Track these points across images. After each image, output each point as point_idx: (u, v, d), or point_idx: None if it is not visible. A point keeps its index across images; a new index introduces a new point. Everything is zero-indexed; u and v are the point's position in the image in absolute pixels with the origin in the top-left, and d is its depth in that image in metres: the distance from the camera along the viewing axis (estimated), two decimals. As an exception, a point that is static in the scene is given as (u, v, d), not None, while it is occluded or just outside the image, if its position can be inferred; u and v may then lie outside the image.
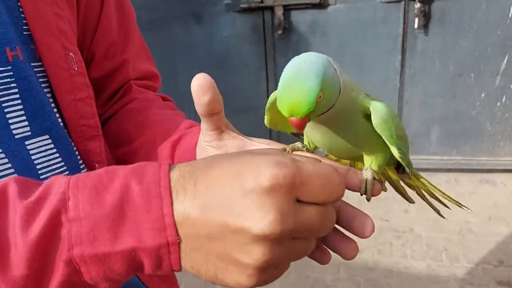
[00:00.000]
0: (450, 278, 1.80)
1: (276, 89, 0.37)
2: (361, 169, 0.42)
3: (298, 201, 0.31)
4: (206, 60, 2.63)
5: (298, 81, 0.35)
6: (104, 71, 0.60)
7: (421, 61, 2.41)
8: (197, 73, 0.39)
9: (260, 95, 2.68)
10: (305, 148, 0.45)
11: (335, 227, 0.38)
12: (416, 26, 2.31)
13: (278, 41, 2.52)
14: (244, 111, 2.73)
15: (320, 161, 0.39)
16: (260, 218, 0.28)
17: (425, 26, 2.32)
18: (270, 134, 2.71)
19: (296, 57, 0.37)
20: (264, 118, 0.47)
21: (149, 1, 2.54)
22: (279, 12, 2.39)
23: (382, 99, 0.42)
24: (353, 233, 0.38)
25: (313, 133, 0.43)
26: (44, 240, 0.30)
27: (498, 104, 2.43)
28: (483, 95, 2.42)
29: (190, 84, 0.39)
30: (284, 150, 0.43)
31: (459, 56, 2.36)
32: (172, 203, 0.30)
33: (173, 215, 0.30)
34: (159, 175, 0.31)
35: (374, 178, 0.40)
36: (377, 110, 0.40)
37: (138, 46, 0.65)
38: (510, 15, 2.23)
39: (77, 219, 0.30)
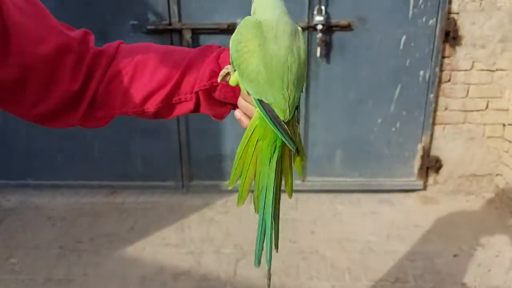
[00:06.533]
0: (351, 297, 1.86)
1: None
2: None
3: None
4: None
5: None
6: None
7: (324, 88, 2.53)
8: None
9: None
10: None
11: None
12: (318, 54, 2.43)
13: (187, 64, 2.49)
14: (153, 132, 2.64)
15: None
16: None
17: (326, 55, 2.44)
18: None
19: None
20: None
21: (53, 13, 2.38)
22: (188, 35, 2.37)
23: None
24: None
25: None
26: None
27: (393, 129, 2.62)
28: (379, 121, 2.60)
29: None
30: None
31: (358, 84, 2.52)
32: None
33: None
34: None
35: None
36: None
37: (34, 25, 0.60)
38: (401, 48, 2.44)
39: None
